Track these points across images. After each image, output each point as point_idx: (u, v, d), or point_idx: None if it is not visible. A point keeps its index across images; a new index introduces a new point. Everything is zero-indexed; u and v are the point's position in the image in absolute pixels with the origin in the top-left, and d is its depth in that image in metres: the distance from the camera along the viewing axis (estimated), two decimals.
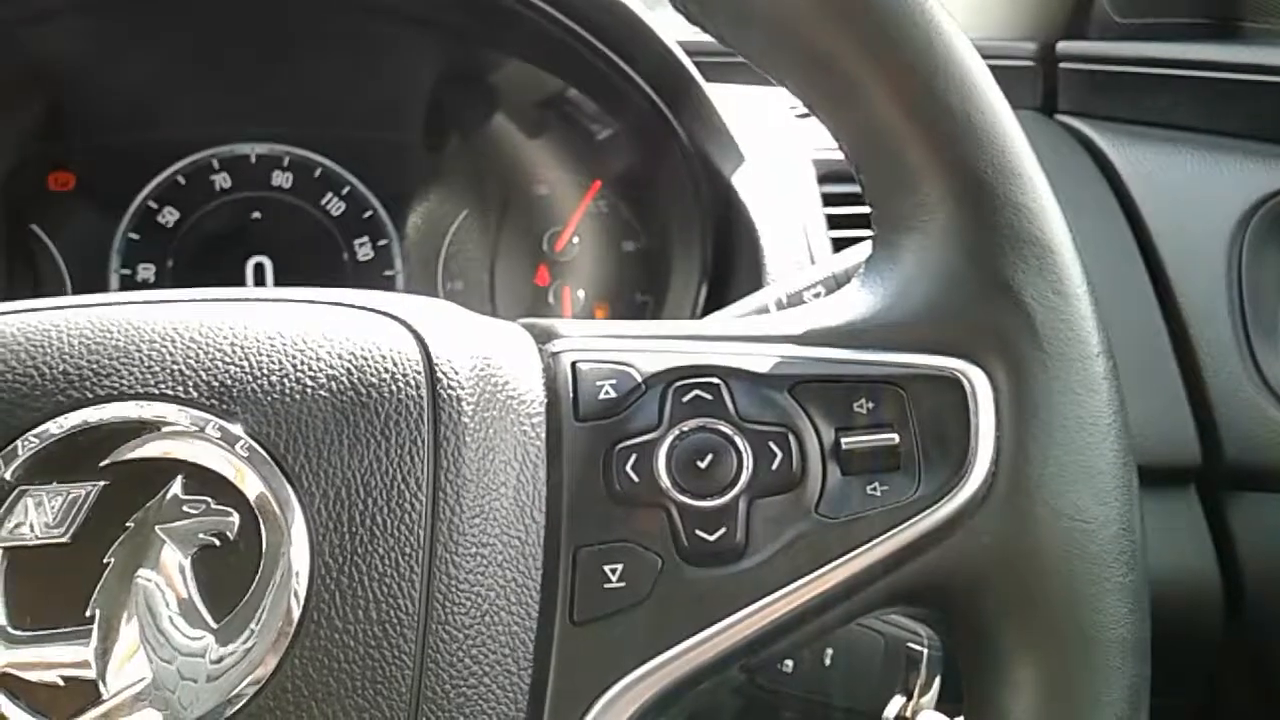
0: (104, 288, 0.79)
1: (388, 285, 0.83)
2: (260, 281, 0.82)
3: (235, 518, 0.35)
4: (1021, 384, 0.39)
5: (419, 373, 0.38)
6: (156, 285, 0.80)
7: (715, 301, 0.80)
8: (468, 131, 0.85)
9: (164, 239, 0.81)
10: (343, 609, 0.35)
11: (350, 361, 0.37)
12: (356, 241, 0.84)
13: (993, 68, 0.41)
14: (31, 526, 0.34)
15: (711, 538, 0.38)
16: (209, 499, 0.35)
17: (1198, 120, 0.85)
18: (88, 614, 0.34)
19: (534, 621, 0.37)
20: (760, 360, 0.40)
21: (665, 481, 0.38)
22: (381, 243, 0.84)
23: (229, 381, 0.36)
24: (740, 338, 0.41)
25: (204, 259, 0.81)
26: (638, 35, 0.77)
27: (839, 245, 0.77)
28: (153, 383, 0.36)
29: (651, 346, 0.41)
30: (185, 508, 0.35)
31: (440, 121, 0.85)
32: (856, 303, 0.41)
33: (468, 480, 0.37)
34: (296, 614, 0.34)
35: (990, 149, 0.40)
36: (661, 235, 0.85)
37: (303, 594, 0.35)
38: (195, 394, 0.36)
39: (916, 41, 0.40)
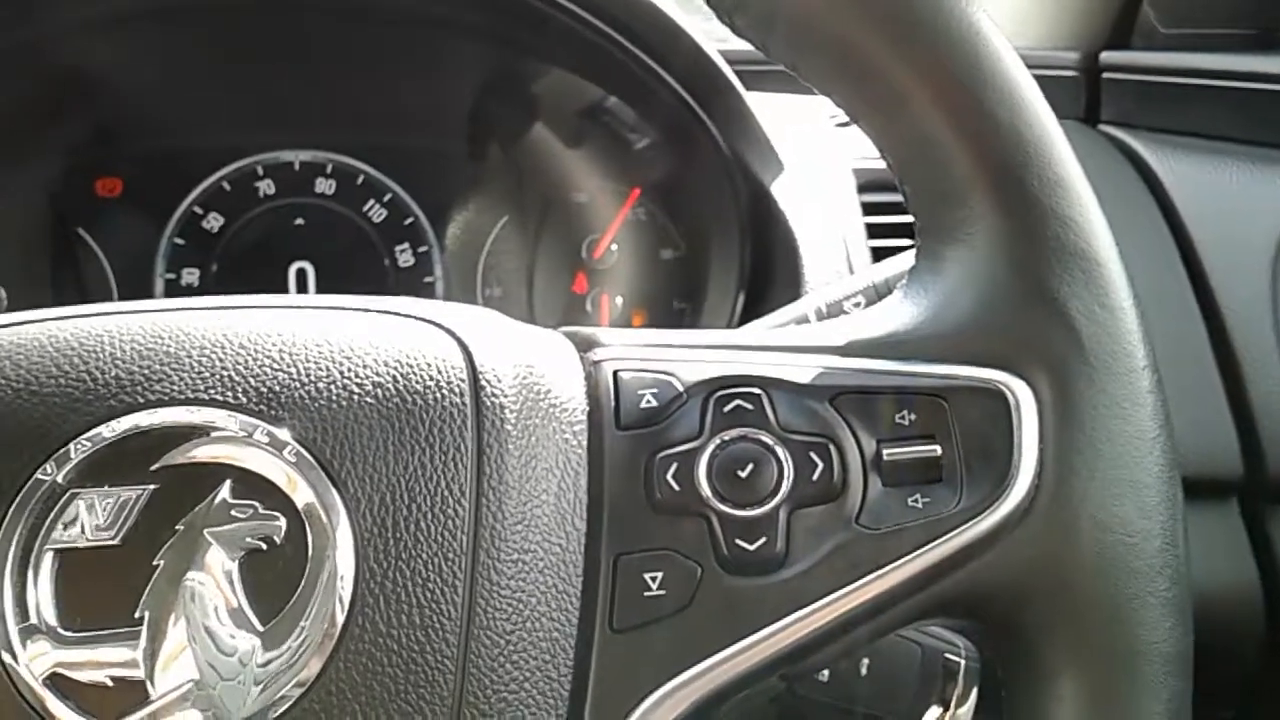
0: (149, 292, 0.80)
1: (428, 291, 0.84)
2: (302, 287, 0.83)
3: (282, 522, 0.35)
4: (1066, 397, 0.38)
5: (463, 380, 0.38)
6: (200, 290, 0.81)
7: (752, 310, 0.80)
8: (508, 141, 0.86)
9: (208, 244, 0.82)
10: (387, 613, 0.35)
11: (396, 369, 0.38)
12: (397, 248, 0.84)
13: (1035, 77, 0.41)
14: (83, 528, 0.35)
15: (751, 547, 0.38)
16: (257, 503, 0.35)
17: (1242, 131, 0.84)
18: (137, 615, 0.34)
19: (574, 628, 0.37)
20: (801, 371, 0.40)
21: (706, 490, 0.38)
22: (422, 249, 0.85)
23: (277, 388, 0.37)
24: (781, 348, 0.41)
25: (247, 264, 0.82)
26: (676, 43, 0.78)
27: (878, 255, 0.77)
28: (203, 388, 0.37)
29: (692, 356, 0.41)
30: (233, 512, 0.35)
31: (481, 131, 0.86)
32: (899, 313, 0.41)
33: (510, 487, 0.37)
34: (341, 618, 0.35)
35: (1038, 162, 0.39)
36: (699, 243, 0.85)
37: (348, 598, 0.35)
38: (244, 400, 0.37)
39: (963, 53, 0.40)
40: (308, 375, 0.37)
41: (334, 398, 0.37)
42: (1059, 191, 0.39)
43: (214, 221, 0.82)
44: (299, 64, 0.82)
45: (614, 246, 0.86)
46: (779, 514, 0.38)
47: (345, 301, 0.41)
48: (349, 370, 0.37)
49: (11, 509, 0.35)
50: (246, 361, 0.37)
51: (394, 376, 0.38)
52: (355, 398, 0.37)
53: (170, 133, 0.82)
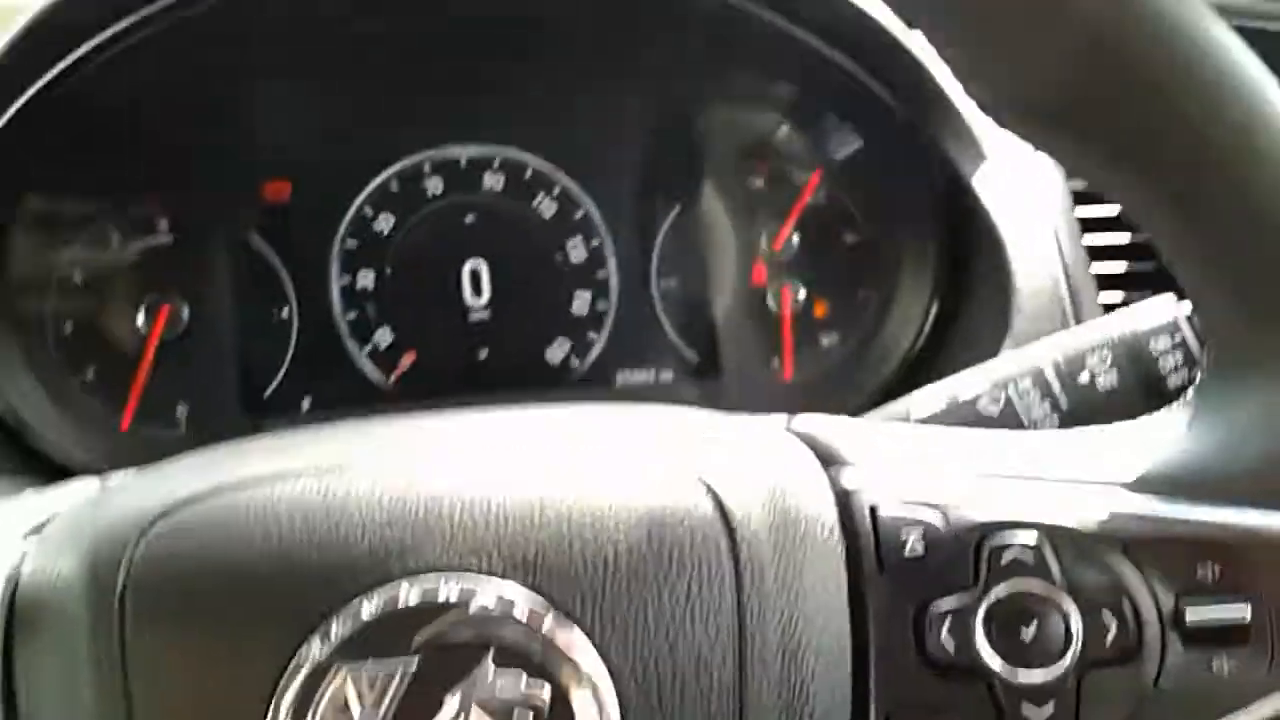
0: (326, 297, 0.79)
1: (600, 286, 0.81)
2: (476, 287, 0.80)
3: (547, 691, 0.34)
4: None
5: (718, 534, 0.36)
6: (376, 292, 0.79)
7: (951, 312, 0.76)
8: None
9: (381, 246, 0.80)
10: None
11: (649, 528, 0.36)
12: (569, 242, 0.81)
13: None
14: (349, 705, 0.34)
15: (1040, 713, 0.35)
16: (521, 673, 0.34)
17: None
18: None
19: None
20: (1086, 514, 0.36)
21: (985, 651, 0.35)
22: (594, 243, 0.81)
23: (531, 553, 0.35)
24: (1059, 480, 0.37)
25: (421, 265, 0.80)
26: (869, 32, 0.72)
27: (1094, 253, 0.71)
28: (457, 558, 0.35)
29: (956, 487, 0.37)
30: (499, 682, 0.34)
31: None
32: (1191, 442, 0.37)
33: (772, 645, 0.35)
34: None
35: None
36: (887, 225, 0.80)
37: None
38: (499, 567, 0.35)
39: (1268, 169, 0.35)
40: (561, 538, 0.35)
41: (588, 560, 0.35)
42: None
43: (384, 223, 0.80)
44: (465, 66, 0.78)
45: (795, 235, 0.81)
46: (1069, 678, 0.35)
47: (583, 430, 0.39)
48: (601, 529, 0.35)
49: (279, 687, 0.34)
50: (498, 527, 0.35)
51: (647, 535, 0.35)
52: (609, 560, 0.35)
53: (335, 133, 0.80)
